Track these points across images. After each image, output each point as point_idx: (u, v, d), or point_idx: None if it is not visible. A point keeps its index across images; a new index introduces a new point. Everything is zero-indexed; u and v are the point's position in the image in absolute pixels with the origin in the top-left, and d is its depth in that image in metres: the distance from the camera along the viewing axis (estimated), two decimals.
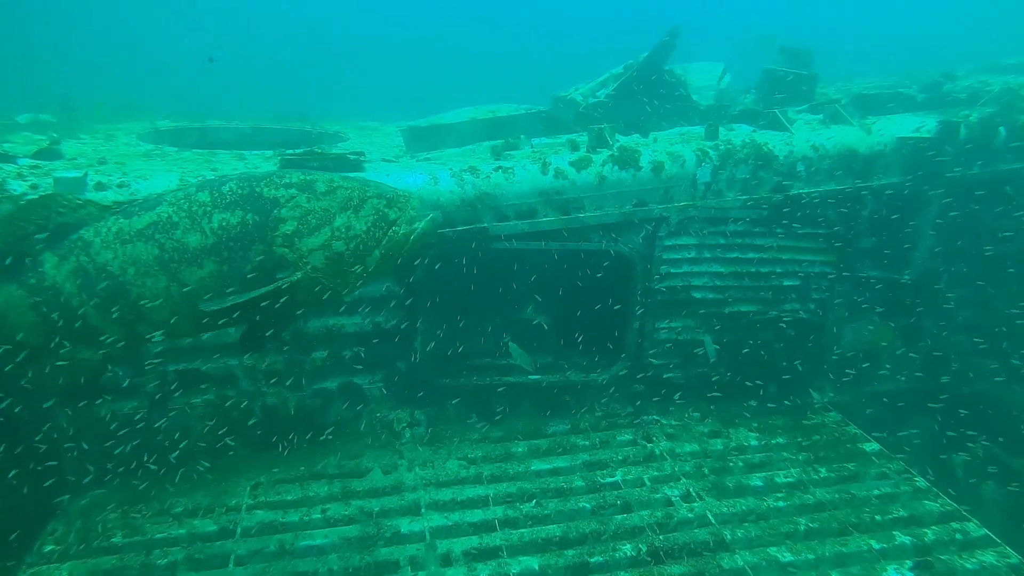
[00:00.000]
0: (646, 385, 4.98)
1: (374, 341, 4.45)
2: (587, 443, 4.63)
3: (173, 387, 4.06)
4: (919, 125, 5.00)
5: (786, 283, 4.95)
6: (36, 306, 2.64)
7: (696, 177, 4.56)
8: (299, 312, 2.96)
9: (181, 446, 4.04)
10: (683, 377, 5.03)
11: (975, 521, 4.09)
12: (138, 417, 4.02)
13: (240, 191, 2.74)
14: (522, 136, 5.02)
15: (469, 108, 6.51)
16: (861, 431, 4.95)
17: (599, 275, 4.76)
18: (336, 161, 4.13)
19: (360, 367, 4.48)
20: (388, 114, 7.20)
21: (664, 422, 4.89)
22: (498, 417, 4.77)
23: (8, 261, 2.62)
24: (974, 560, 3.82)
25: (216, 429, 4.19)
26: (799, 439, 4.80)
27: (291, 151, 4.46)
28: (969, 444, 5.35)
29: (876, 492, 4.28)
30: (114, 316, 2.67)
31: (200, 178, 3.81)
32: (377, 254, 2.85)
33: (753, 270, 4.84)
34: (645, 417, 4.91)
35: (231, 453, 4.24)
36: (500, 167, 4.45)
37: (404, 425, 4.60)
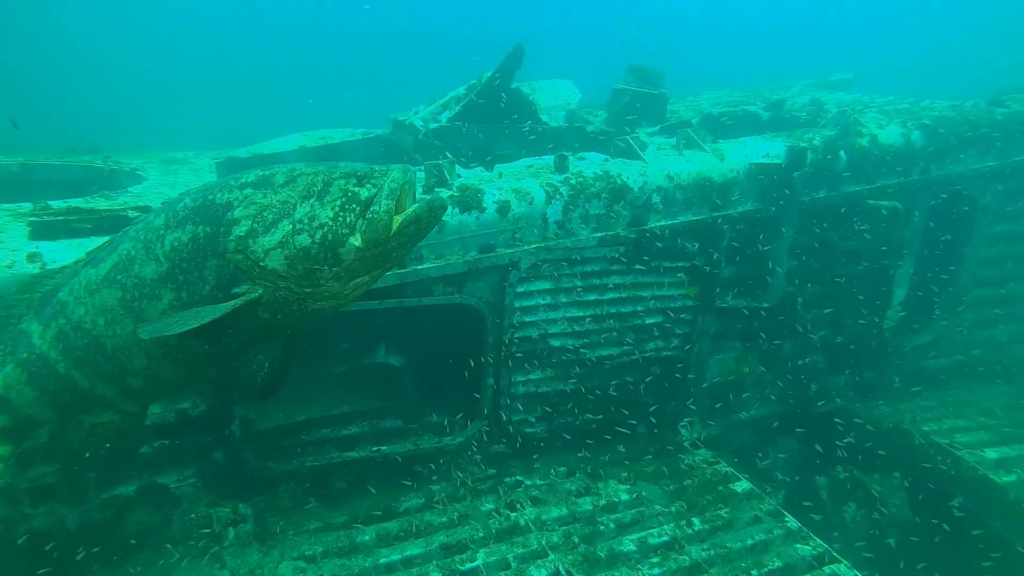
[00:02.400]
0: (507, 444, 4.53)
1: (180, 433, 3.68)
2: (444, 520, 4.10)
3: None
4: (768, 150, 4.88)
5: (648, 320, 4.66)
6: (31, 380, 2.52)
7: (547, 216, 4.14)
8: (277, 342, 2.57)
9: None
10: (546, 431, 4.62)
11: (845, 562, 3.98)
12: None
13: (193, 204, 2.39)
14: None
15: (297, 134, 5.79)
16: (731, 469, 4.76)
17: (446, 331, 4.25)
18: (112, 220, 3.33)
19: (165, 464, 3.70)
20: (204, 142, 6.28)
21: (529, 483, 4.45)
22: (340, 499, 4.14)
23: (10, 347, 2.56)
24: None
25: None
26: (671, 486, 4.53)
27: (55, 205, 3.58)
28: (834, 464, 5.35)
29: (750, 541, 4.07)
30: (100, 371, 2.46)
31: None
32: (354, 242, 2.23)
33: (613, 311, 4.51)
34: (508, 479, 4.45)
35: None
36: None
37: (226, 524, 3.86)
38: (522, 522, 4.11)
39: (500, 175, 4.29)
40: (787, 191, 4.79)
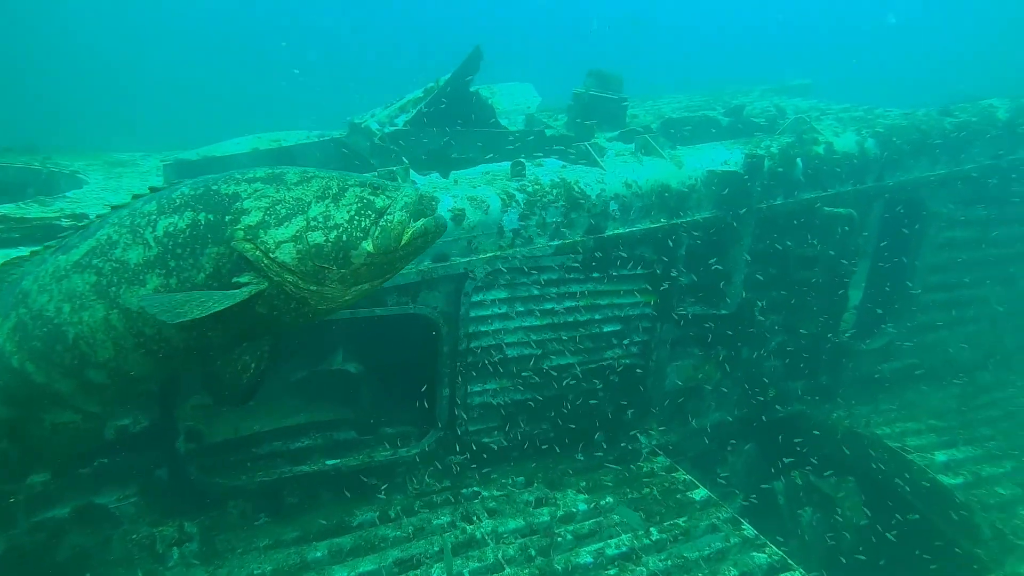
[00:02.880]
0: (463, 454, 4.45)
1: (120, 451, 3.53)
2: (399, 533, 4.01)
3: None
4: (727, 157, 4.89)
5: (606, 329, 4.63)
6: None
7: (503, 224, 4.08)
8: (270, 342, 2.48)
9: None
10: (504, 440, 4.56)
11: (799, 570, 3.99)
12: None
13: (193, 192, 2.34)
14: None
15: (250, 136, 5.62)
16: (689, 476, 4.76)
17: (403, 339, 4.16)
18: (44, 230, 3.17)
19: (104, 484, 3.54)
20: (152, 143, 6.05)
21: (486, 494, 4.39)
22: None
23: None
24: None
25: None
26: (629, 495, 4.50)
27: None
28: (791, 470, 5.39)
29: (707, 551, 4.07)
30: (57, 363, 2.27)
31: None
32: (366, 247, 2.28)
33: (571, 319, 4.46)
34: (465, 490, 4.38)
35: None
36: None
37: (170, 544, 3.71)
38: (478, 535, 4.05)
39: (456, 182, 4.21)
40: (744, 199, 4.80)
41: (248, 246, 2.22)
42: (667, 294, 4.74)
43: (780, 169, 5.00)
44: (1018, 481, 5.06)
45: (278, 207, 2.26)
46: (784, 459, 5.49)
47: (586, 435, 4.77)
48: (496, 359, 4.33)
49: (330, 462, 4.14)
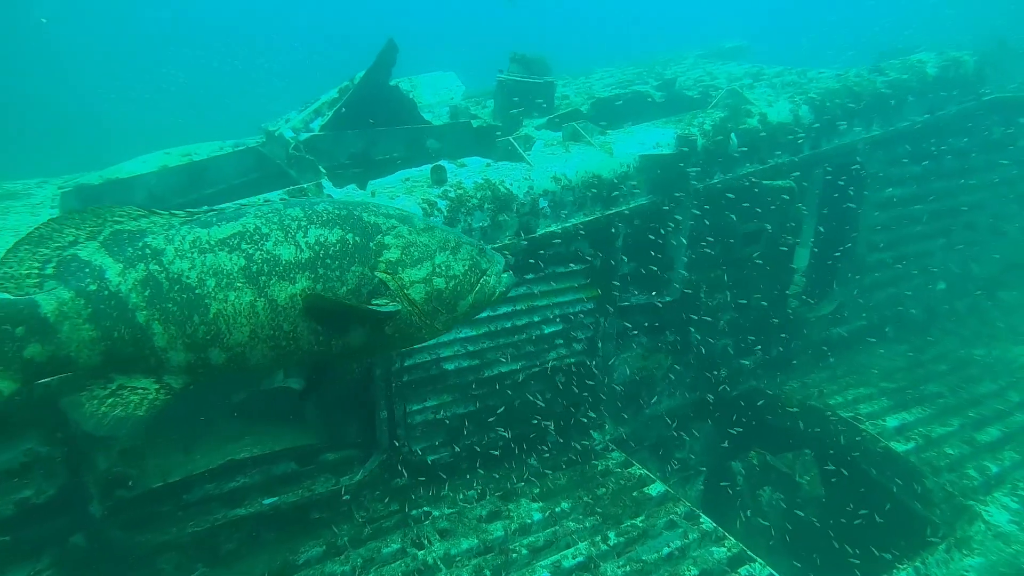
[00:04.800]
0: (410, 475, 4.28)
1: (24, 526, 3.25)
2: (346, 568, 3.83)
3: None
4: (659, 139, 4.71)
5: (548, 330, 4.47)
6: (96, 317, 2.21)
7: None
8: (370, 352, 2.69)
9: None
10: (451, 456, 4.39)
11: (759, 560, 3.94)
12: None
13: (337, 212, 2.51)
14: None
15: (158, 153, 5.25)
16: (645, 471, 4.67)
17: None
18: None
19: (9, 561, 3.27)
20: (48, 168, 5.61)
21: (437, 513, 4.22)
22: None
23: (50, 268, 2.23)
24: None
25: None
26: (584, 498, 4.39)
27: None
28: (749, 450, 5.35)
29: (666, 550, 3.99)
30: (188, 333, 2.27)
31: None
32: (469, 300, 2.66)
33: (508, 324, 4.28)
34: (414, 512, 4.21)
35: None
36: None
37: None
38: (430, 560, 3.89)
39: (373, 194, 3.95)
40: (680, 181, 4.64)
41: (387, 277, 2.49)
42: (608, 287, 4.59)
43: (715, 146, 4.85)
44: (965, 438, 5.11)
45: (411, 249, 2.54)
46: (741, 437, 5.45)
47: (538, 439, 4.63)
48: (433, 374, 4.13)
49: (268, 501, 3.92)
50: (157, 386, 2.35)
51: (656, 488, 4.48)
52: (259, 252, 2.35)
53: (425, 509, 4.24)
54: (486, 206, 4.01)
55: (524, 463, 4.58)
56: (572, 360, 4.62)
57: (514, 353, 4.36)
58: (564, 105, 5.79)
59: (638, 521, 4.21)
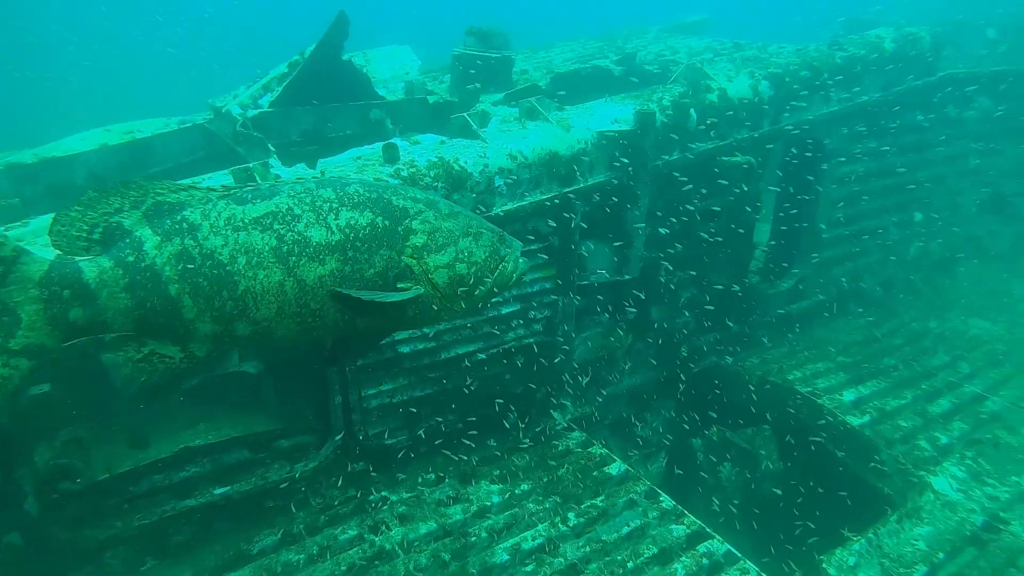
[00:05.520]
0: (367, 460, 4.21)
1: None
2: (302, 556, 3.76)
3: None
4: (617, 115, 4.64)
5: (505, 310, 4.40)
6: (132, 288, 2.34)
7: None
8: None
9: None
10: (409, 439, 4.33)
11: (717, 537, 3.97)
12: None
13: (368, 194, 2.58)
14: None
15: (97, 130, 5.02)
16: (605, 450, 4.66)
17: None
18: None
19: None
20: None
21: (395, 498, 4.17)
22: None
23: (97, 233, 2.35)
24: None
25: None
26: (544, 479, 4.37)
27: None
28: (709, 427, 5.39)
29: (625, 529, 3.99)
30: (216, 307, 2.39)
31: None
32: (488, 285, 2.75)
33: None
34: (372, 497, 4.15)
35: None
36: None
37: None
38: (388, 546, 3.84)
39: (322, 173, 3.82)
40: (638, 158, 4.58)
41: (413, 263, 2.57)
42: (566, 266, 4.53)
43: (674, 122, 4.79)
44: (917, 410, 5.21)
45: (437, 235, 2.62)
46: (702, 414, 5.49)
47: (498, 420, 4.58)
48: (389, 358, 4.05)
49: (219, 491, 3.81)
50: (182, 354, 2.48)
51: (616, 467, 4.48)
52: (291, 233, 2.44)
53: (383, 494, 4.18)
54: (440, 185, 3.90)
55: (484, 445, 4.54)
56: (531, 340, 4.56)
57: (471, 335, 4.29)
58: (523, 80, 5.68)
59: (598, 501, 4.20)
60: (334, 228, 2.48)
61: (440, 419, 4.39)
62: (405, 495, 4.20)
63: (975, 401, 5.36)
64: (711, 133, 5.01)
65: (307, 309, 2.47)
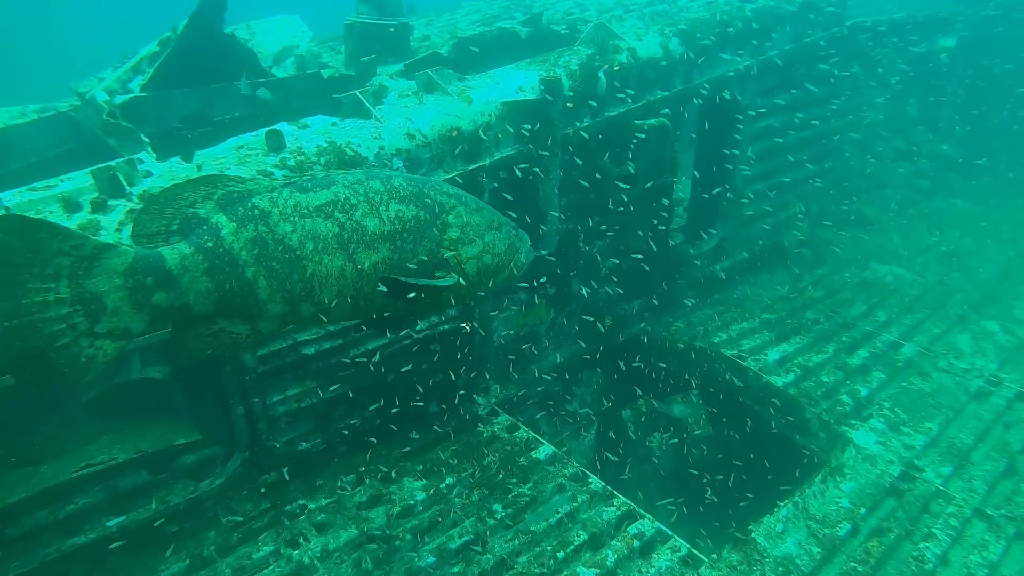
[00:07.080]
0: (279, 468, 3.95)
1: None
2: None
3: None
4: (522, 83, 4.38)
5: None
6: (211, 271, 2.47)
7: None
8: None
9: None
10: (324, 442, 4.09)
11: (648, 517, 3.91)
12: None
13: (411, 188, 2.76)
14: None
15: None
16: (532, 434, 4.53)
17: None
18: None
19: None
20: None
21: (313, 506, 3.94)
22: None
23: (175, 225, 2.49)
24: (652, 569, 3.62)
25: None
26: (470, 470, 4.21)
27: None
28: (638, 398, 5.33)
29: (555, 517, 3.89)
30: (287, 289, 2.55)
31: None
32: (504, 274, 2.95)
33: None
34: (288, 507, 3.91)
35: None
36: None
37: None
38: (306, 560, 3.63)
39: (199, 167, 3.45)
40: (547, 128, 4.36)
41: (450, 255, 2.76)
42: None
43: (582, 87, 4.57)
44: (838, 364, 5.27)
45: (468, 228, 2.81)
46: (631, 383, 5.42)
47: (418, 412, 4.39)
48: (292, 361, 3.78)
49: (113, 522, 3.51)
50: (249, 332, 2.64)
51: (544, 451, 4.36)
52: (350, 221, 2.60)
53: (300, 503, 3.95)
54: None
55: (406, 439, 4.35)
56: (447, 326, 4.35)
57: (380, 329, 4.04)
58: (424, 48, 5.33)
59: (526, 488, 4.08)
60: (385, 219, 2.65)
61: (356, 419, 4.16)
62: (324, 501, 3.98)
63: (891, 349, 5.46)
64: (622, 96, 4.81)
65: (361, 293, 2.65)
